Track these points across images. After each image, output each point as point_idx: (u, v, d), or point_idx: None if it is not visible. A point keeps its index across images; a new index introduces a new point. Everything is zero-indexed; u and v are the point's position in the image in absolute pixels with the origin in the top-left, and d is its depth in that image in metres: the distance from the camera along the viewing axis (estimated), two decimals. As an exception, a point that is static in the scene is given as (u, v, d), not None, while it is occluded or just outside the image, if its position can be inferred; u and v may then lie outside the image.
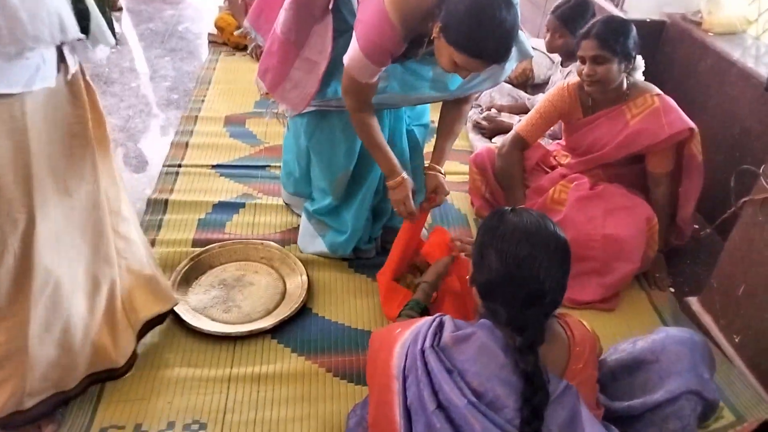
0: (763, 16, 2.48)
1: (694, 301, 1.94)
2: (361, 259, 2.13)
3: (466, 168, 2.61)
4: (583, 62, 1.94)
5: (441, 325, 1.11)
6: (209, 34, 4.00)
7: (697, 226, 2.27)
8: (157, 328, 1.77)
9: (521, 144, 2.22)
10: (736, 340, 1.75)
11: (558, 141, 2.36)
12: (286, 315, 1.86)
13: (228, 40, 3.90)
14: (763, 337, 1.65)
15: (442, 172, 1.90)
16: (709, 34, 2.48)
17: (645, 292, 2.11)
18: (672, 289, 2.11)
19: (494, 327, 1.07)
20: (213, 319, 1.87)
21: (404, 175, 1.78)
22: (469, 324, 1.10)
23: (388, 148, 1.78)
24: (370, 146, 1.77)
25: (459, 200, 2.54)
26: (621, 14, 2.78)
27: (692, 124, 1.97)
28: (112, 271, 1.49)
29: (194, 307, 1.90)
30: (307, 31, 1.77)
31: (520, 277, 1.06)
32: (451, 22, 1.43)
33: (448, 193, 1.90)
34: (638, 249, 1.97)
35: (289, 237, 2.24)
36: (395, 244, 1.92)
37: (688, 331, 1.28)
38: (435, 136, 1.94)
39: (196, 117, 3.04)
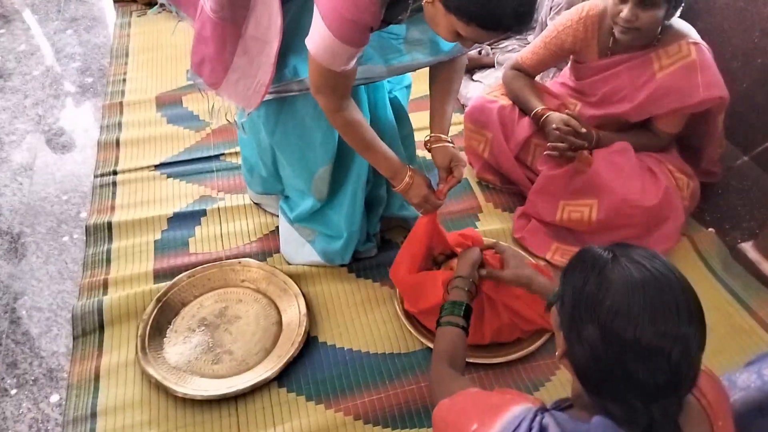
0: None
1: (749, 248, 1.70)
2: (360, 260, 1.80)
3: (457, 118, 2.25)
4: (623, 0, 1.56)
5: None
6: (113, -8, 3.37)
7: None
8: (132, 403, 1.46)
9: (522, 71, 1.89)
10: (811, 292, 1.52)
11: (560, 80, 1.99)
12: (291, 354, 1.54)
13: (136, -4, 3.29)
14: None
15: (451, 141, 1.53)
16: None
17: (687, 237, 1.85)
18: (712, 229, 1.86)
19: (616, 427, 0.77)
20: (202, 376, 1.53)
21: (411, 170, 1.43)
22: (579, 422, 0.80)
23: (385, 146, 1.41)
24: (363, 149, 1.40)
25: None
26: None
27: (726, 91, 1.66)
28: None
29: (175, 365, 1.55)
30: (246, 3, 1.35)
31: (646, 371, 0.75)
32: None
33: (465, 165, 1.54)
34: (678, 202, 1.71)
35: (269, 245, 1.87)
36: (409, 238, 1.57)
37: (827, 347, 1.02)
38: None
39: (121, 104, 2.52)
